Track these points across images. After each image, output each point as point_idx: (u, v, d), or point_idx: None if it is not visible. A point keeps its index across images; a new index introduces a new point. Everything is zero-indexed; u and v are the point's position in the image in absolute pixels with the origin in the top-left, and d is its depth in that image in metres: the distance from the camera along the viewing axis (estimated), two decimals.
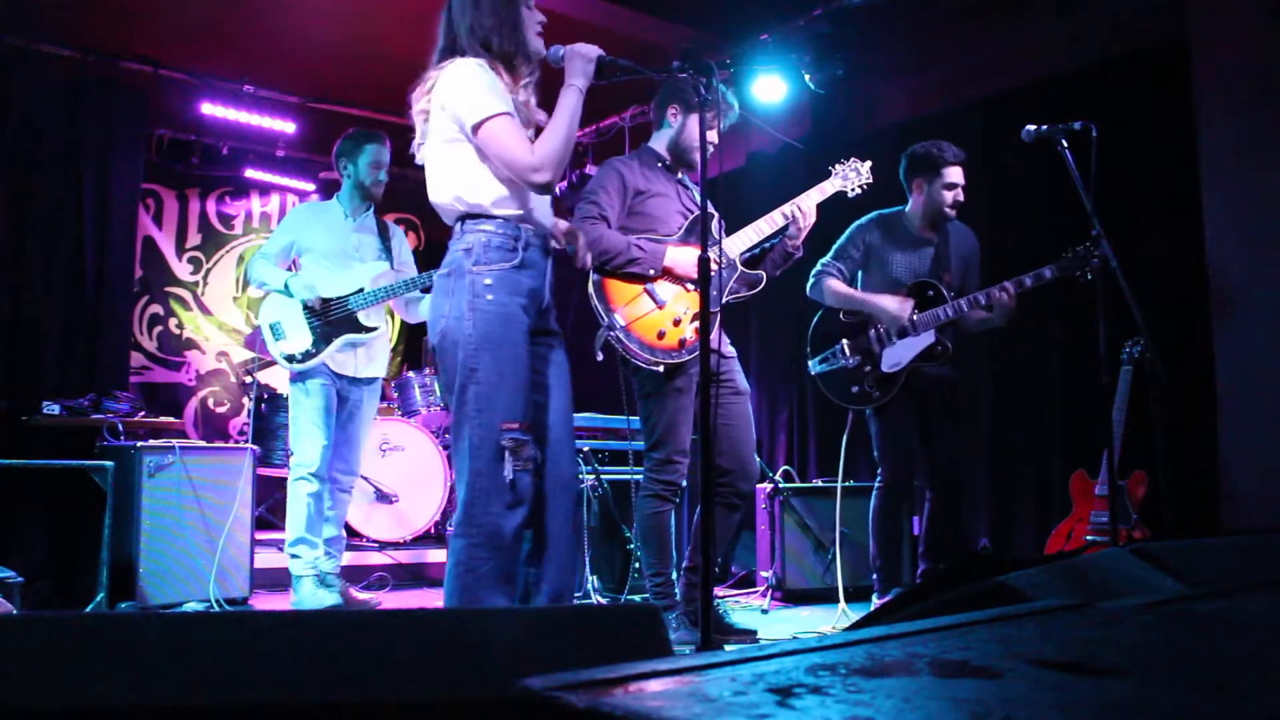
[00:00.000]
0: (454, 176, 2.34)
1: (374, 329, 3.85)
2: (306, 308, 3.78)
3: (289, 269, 3.92)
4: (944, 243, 3.72)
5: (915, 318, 3.57)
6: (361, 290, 3.82)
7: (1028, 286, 3.45)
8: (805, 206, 3.29)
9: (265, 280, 3.83)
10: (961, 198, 3.66)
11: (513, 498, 2.22)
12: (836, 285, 3.66)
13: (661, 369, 3.11)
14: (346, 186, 3.96)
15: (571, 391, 2.49)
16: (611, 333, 3.08)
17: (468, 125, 2.27)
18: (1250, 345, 3.57)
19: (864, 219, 3.76)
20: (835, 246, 3.75)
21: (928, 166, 3.65)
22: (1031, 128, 3.09)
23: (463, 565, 2.21)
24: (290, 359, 3.76)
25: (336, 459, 3.88)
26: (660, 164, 3.36)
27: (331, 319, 3.79)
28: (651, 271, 3.15)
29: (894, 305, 3.57)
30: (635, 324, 3.11)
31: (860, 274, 3.76)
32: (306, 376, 3.78)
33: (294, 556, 3.76)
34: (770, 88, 5.21)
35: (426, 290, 3.92)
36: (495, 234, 2.31)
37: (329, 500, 3.85)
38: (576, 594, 3.94)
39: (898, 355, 3.57)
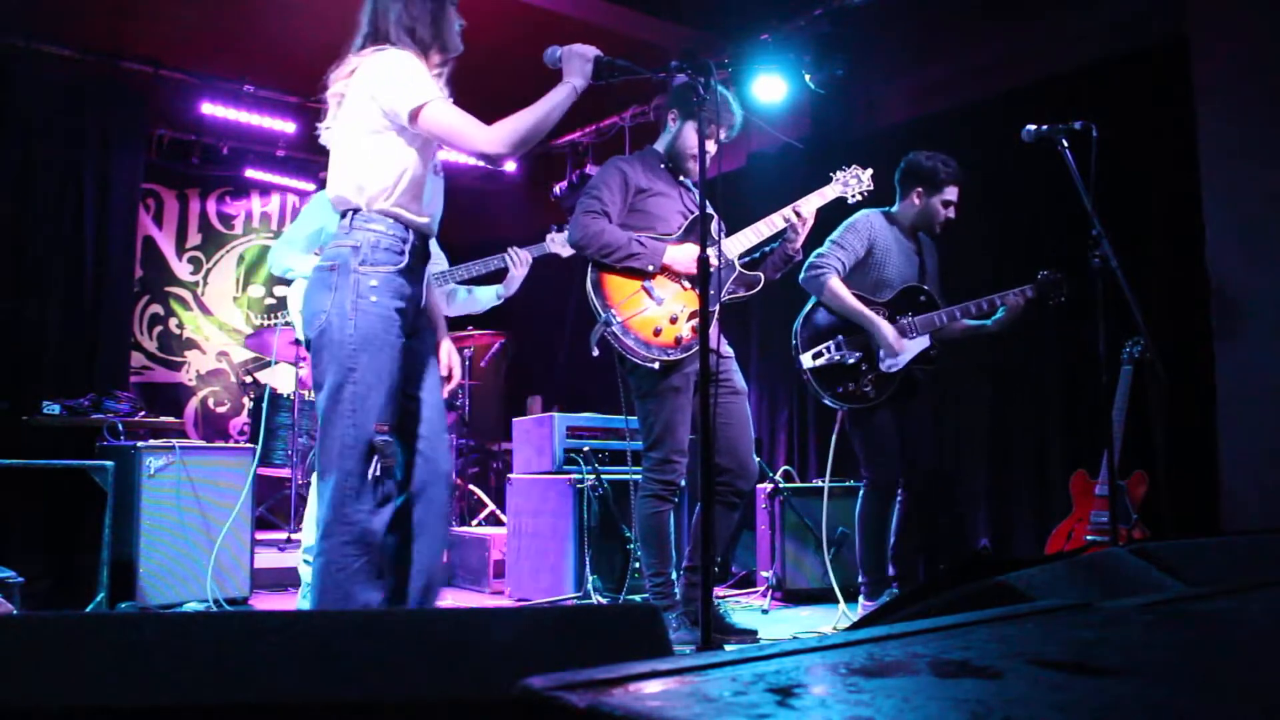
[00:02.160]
0: (363, 167, 2.33)
1: None
2: None
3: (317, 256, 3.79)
4: (921, 249, 3.75)
5: (913, 319, 3.57)
6: None
7: (1012, 301, 3.53)
8: (805, 211, 3.30)
9: (290, 266, 3.62)
10: (954, 215, 3.66)
11: (381, 496, 2.27)
12: (840, 288, 3.56)
13: (657, 366, 3.11)
14: None
15: (440, 383, 2.54)
16: (608, 329, 3.08)
17: (403, 113, 2.27)
18: (1250, 345, 3.57)
19: (867, 214, 3.68)
20: (835, 238, 3.65)
21: (929, 181, 3.62)
22: (1031, 128, 3.09)
23: (335, 564, 2.23)
24: None
25: None
26: (663, 164, 3.37)
27: None
28: (650, 268, 3.16)
29: (893, 336, 3.51)
30: (632, 320, 3.11)
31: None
32: None
33: (309, 564, 3.62)
34: (770, 88, 5.21)
35: (467, 282, 3.86)
36: (385, 235, 2.31)
37: None
38: (576, 594, 3.94)
39: (897, 357, 3.56)
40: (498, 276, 3.81)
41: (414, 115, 2.26)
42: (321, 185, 6.78)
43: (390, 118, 2.29)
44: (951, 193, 3.63)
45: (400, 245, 2.32)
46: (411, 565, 2.39)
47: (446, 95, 2.37)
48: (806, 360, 3.58)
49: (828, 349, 3.54)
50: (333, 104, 2.39)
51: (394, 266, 2.31)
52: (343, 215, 2.35)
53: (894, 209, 3.73)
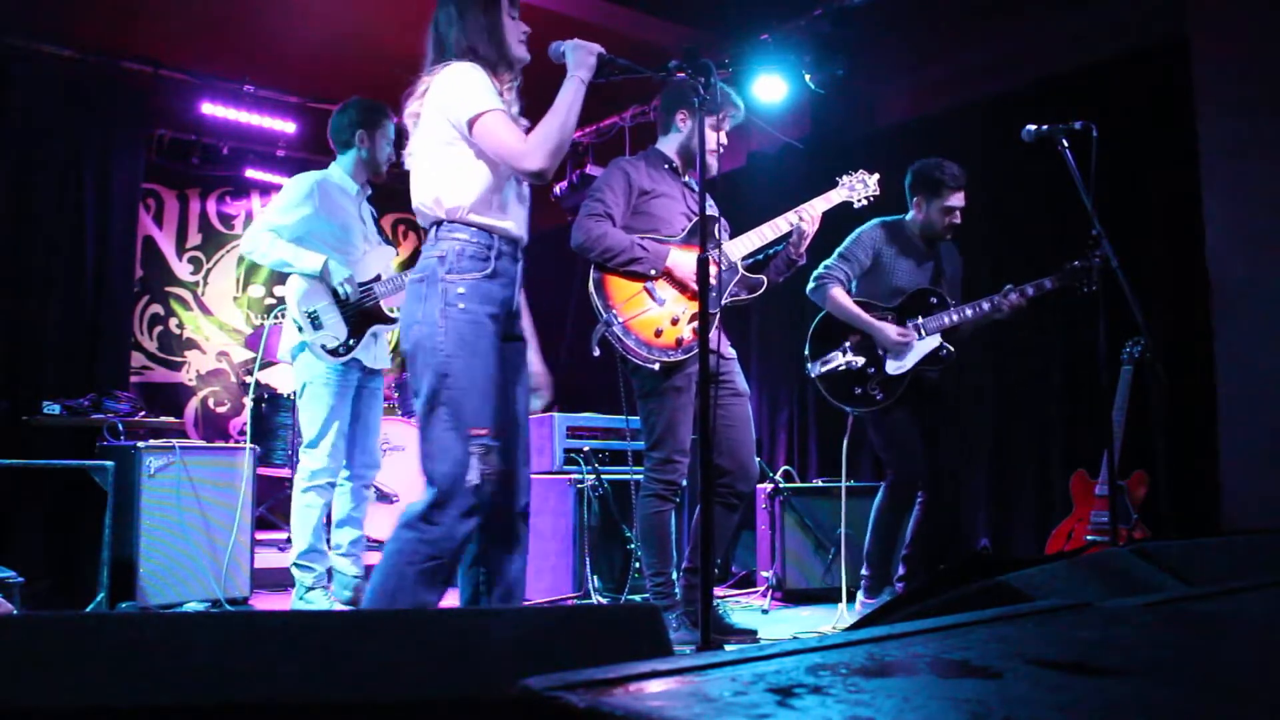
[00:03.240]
0: (439, 179, 2.36)
1: (397, 318, 3.70)
2: (337, 296, 3.55)
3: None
4: (938, 256, 3.75)
5: (922, 322, 3.58)
6: (379, 277, 3.65)
7: (1030, 295, 3.50)
8: (811, 215, 3.30)
9: (285, 259, 3.52)
10: (958, 220, 3.65)
11: (473, 503, 2.26)
12: (841, 296, 3.60)
13: (658, 367, 3.11)
14: (355, 159, 3.69)
15: (528, 391, 2.55)
16: (609, 329, 3.08)
17: (463, 122, 2.29)
18: (1250, 345, 3.57)
19: (871, 225, 3.72)
20: (841, 250, 3.70)
21: (929, 187, 3.62)
22: (1031, 128, 3.09)
23: (405, 556, 2.25)
24: (334, 352, 3.54)
25: (359, 451, 3.67)
26: (667, 165, 3.36)
27: (361, 308, 3.59)
28: (653, 271, 3.15)
29: (894, 332, 3.55)
30: (633, 321, 3.11)
31: (859, 279, 3.71)
32: (340, 375, 3.57)
33: (305, 568, 3.56)
34: (770, 88, 5.21)
35: None
36: (469, 242, 2.33)
37: (350, 501, 3.67)
38: (577, 594, 3.94)
39: (903, 358, 3.57)
40: None
41: (471, 124, 2.29)
42: None
43: (457, 129, 2.32)
44: (954, 199, 3.61)
45: (485, 252, 2.33)
46: (495, 575, 2.39)
47: (515, 107, 2.40)
48: (815, 369, 3.64)
49: (834, 356, 3.59)
50: (410, 126, 2.43)
51: (480, 273, 2.32)
52: (428, 229, 2.39)
53: (906, 216, 3.74)
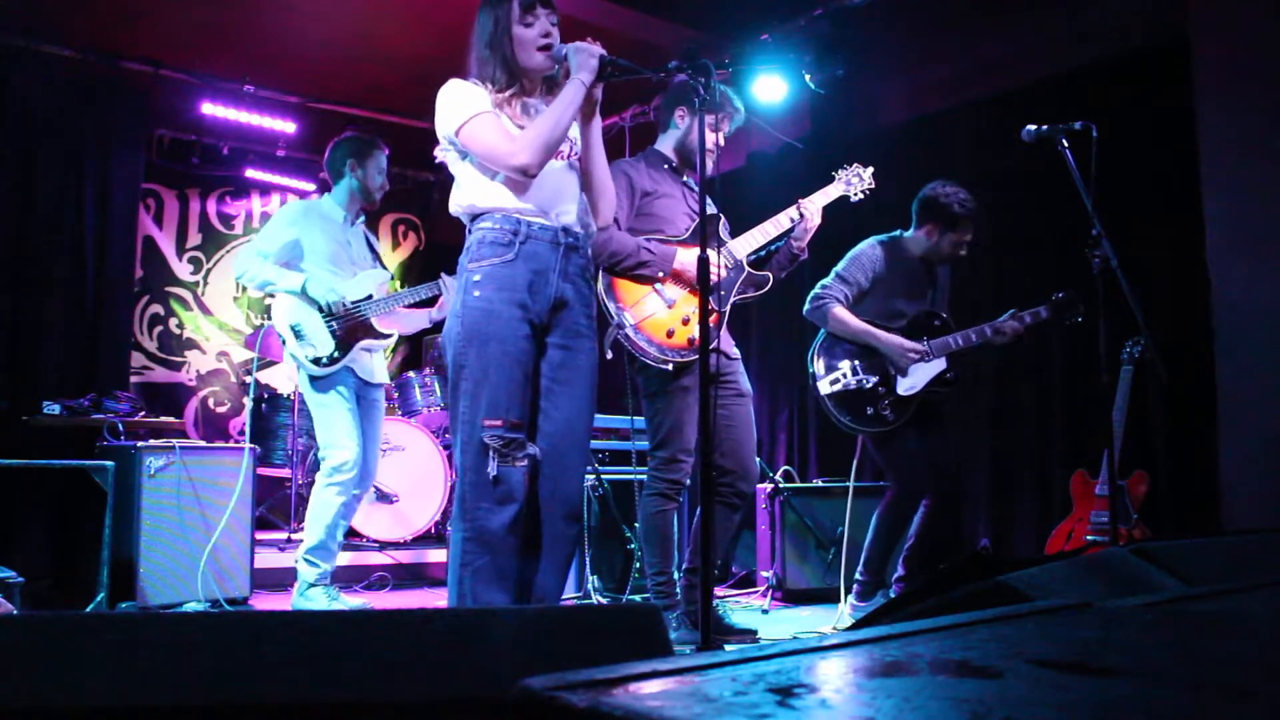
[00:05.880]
0: (456, 188, 2.41)
1: (389, 334, 3.85)
2: (323, 311, 3.70)
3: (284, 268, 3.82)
4: (934, 275, 3.76)
5: (929, 343, 3.58)
6: (370, 296, 3.80)
7: (1027, 323, 3.57)
8: (810, 210, 3.30)
9: (270, 280, 3.70)
10: (965, 253, 3.68)
11: (499, 494, 2.21)
12: (844, 314, 3.56)
13: (670, 367, 3.11)
14: (347, 188, 3.86)
15: (590, 396, 2.43)
16: (621, 331, 3.08)
17: (453, 135, 2.33)
18: (1250, 345, 3.57)
19: (871, 245, 3.69)
20: (839, 271, 3.66)
21: (947, 220, 3.61)
22: (1031, 128, 3.08)
23: (459, 560, 2.24)
24: (318, 362, 3.67)
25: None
26: (667, 165, 3.36)
27: (349, 323, 3.73)
28: (660, 273, 3.15)
29: (901, 344, 3.54)
30: (644, 323, 3.11)
31: (857, 301, 3.67)
32: (333, 380, 3.70)
33: (310, 564, 3.64)
34: (770, 88, 5.20)
35: (427, 303, 3.95)
36: (491, 229, 2.33)
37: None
38: (577, 594, 3.94)
39: (913, 379, 3.56)
40: (434, 301, 3.95)
41: (459, 135, 2.32)
42: (321, 186, 6.79)
43: (452, 143, 2.37)
44: (968, 234, 3.63)
45: (508, 237, 2.32)
46: (532, 584, 2.34)
47: (521, 110, 2.39)
48: (824, 387, 3.58)
49: (844, 375, 3.55)
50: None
51: (499, 258, 2.30)
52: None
53: (906, 234, 3.72)
